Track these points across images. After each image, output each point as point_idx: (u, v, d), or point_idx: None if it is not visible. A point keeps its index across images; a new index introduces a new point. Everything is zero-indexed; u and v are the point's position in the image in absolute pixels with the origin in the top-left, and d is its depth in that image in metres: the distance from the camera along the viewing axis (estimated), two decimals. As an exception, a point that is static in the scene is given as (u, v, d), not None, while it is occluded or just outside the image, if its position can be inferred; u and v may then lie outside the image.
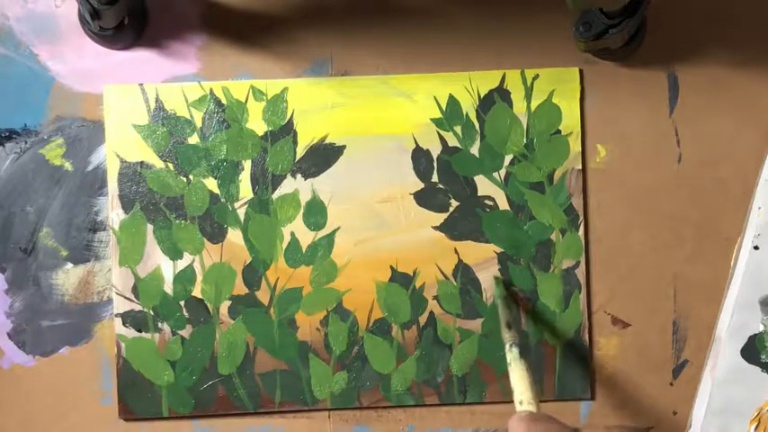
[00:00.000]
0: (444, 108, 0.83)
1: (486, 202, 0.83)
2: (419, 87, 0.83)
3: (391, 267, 0.83)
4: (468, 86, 0.83)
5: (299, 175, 0.83)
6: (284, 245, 0.83)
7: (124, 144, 0.83)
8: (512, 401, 0.84)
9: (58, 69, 0.84)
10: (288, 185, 0.83)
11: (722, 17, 0.84)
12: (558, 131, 0.83)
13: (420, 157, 0.83)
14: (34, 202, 0.83)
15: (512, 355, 0.74)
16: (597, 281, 0.84)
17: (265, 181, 0.83)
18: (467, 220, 0.83)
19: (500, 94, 0.83)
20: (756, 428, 0.79)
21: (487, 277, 0.83)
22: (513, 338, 0.76)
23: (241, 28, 0.84)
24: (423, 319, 0.83)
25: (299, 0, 0.84)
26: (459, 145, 0.83)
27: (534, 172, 0.83)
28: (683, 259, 0.83)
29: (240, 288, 0.83)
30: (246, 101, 0.83)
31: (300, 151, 0.83)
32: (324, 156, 0.83)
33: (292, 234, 0.83)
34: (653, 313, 0.83)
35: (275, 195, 0.83)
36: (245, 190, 0.83)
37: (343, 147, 0.83)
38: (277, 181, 0.83)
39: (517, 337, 0.76)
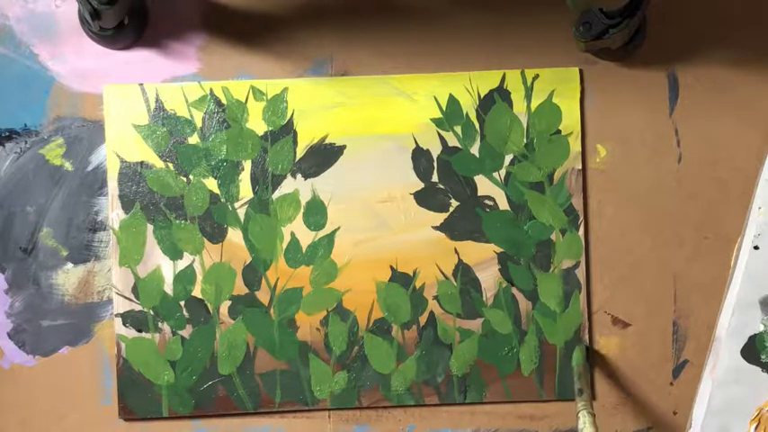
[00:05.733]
0: (444, 108, 0.83)
1: (486, 202, 0.83)
2: (419, 87, 0.83)
3: (391, 267, 0.83)
4: (468, 86, 0.83)
5: (299, 175, 0.83)
6: (284, 245, 0.83)
7: (124, 144, 0.83)
8: (512, 401, 0.84)
9: (58, 69, 0.84)
10: (288, 185, 0.83)
11: (722, 17, 0.84)
12: (558, 131, 0.83)
13: (420, 157, 0.83)
14: (34, 202, 0.83)
15: (583, 422, 0.72)
16: (597, 281, 0.83)
17: (265, 181, 0.83)
18: (467, 220, 0.83)
19: (500, 94, 0.83)
20: (756, 428, 0.78)
21: (488, 277, 0.83)
22: (584, 405, 0.74)
23: (241, 28, 0.84)
24: (423, 319, 0.83)
25: (299, 0, 0.84)
26: (459, 145, 0.83)
27: (534, 172, 0.83)
28: (683, 259, 0.83)
29: (240, 288, 0.83)
30: (246, 101, 0.83)
31: (300, 151, 0.83)
32: (324, 156, 0.83)
33: (292, 234, 0.83)
34: (653, 313, 0.83)
35: (275, 195, 0.83)
36: (245, 190, 0.83)
37: (343, 147, 0.83)
38: (277, 181, 0.83)
39: (589, 404, 0.75)
